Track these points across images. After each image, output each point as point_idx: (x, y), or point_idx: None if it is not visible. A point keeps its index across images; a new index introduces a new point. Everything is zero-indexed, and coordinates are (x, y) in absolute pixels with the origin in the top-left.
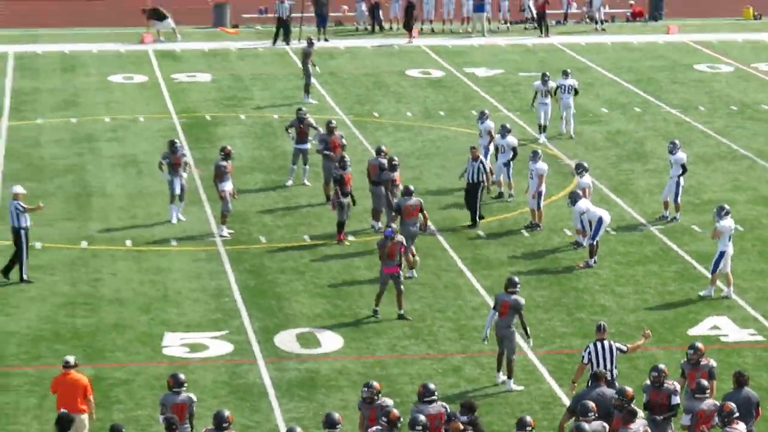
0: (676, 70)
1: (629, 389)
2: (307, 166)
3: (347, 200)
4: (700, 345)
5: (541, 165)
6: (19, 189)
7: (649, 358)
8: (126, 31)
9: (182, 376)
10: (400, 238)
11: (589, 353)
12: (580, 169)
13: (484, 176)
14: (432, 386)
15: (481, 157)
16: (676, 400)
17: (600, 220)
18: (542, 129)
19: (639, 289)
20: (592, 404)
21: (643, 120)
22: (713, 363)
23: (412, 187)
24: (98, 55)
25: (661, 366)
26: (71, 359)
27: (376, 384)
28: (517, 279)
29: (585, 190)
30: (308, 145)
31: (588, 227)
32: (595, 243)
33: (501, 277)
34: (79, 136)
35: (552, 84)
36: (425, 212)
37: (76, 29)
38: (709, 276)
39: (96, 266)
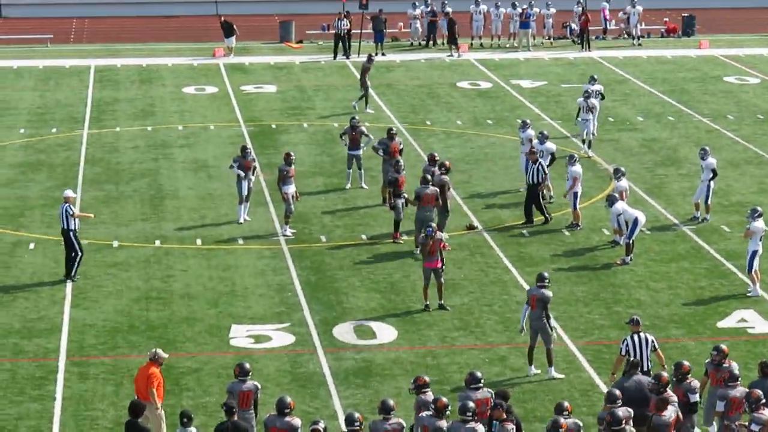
0: (707, 82)
1: (665, 374)
2: (362, 170)
3: (401, 201)
4: (724, 347)
5: (577, 168)
6: (70, 193)
7: (681, 349)
8: (199, 45)
9: (247, 366)
10: (440, 235)
11: (627, 345)
12: (618, 174)
13: (543, 177)
14: (479, 374)
15: (540, 160)
16: (695, 398)
17: (636, 221)
18: (585, 143)
19: (672, 284)
20: (618, 392)
21: (676, 128)
22: (735, 366)
23: (429, 176)
24: (173, 68)
25: (685, 362)
26: (153, 352)
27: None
28: (546, 274)
29: (622, 193)
30: (360, 151)
31: (624, 227)
32: (631, 242)
33: None
34: (154, 143)
35: (594, 101)
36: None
37: (153, 44)
38: (740, 275)
39: (168, 263)
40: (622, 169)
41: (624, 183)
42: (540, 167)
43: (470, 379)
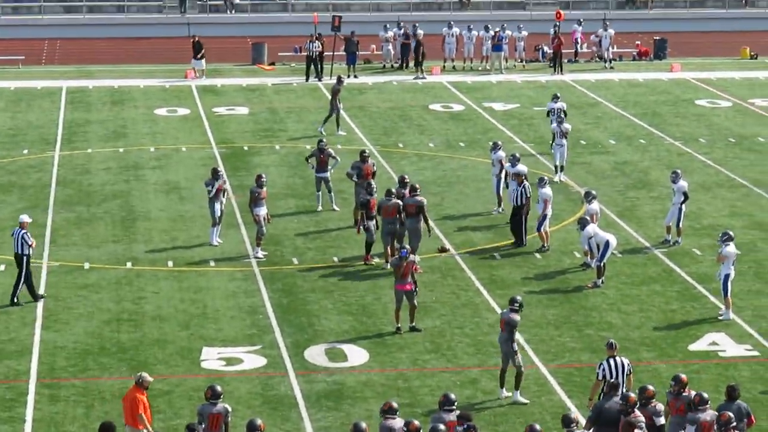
0: (679, 105)
1: (632, 395)
2: (332, 193)
3: (372, 223)
4: (683, 377)
5: (546, 190)
6: (25, 218)
7: (652, 372)
8: (171, 67)
9: (219, 388)
10: (412, 258)
11: (603, 370)
12: (589, 197)
13: (526, 200)
14: (452, 396)
15: (525, 182)
16: (660, 421)
17: (607, 244)
18: (558, 169)
19: (643, 307)
20: (573, 415)
21: (648, 151)
22: (693, 394)
23: (393, 190)
24: (145, 90)
25: (650, 387)
26: (138, 376)
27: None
28: (518, 298)
29: (593, 215)
30: (328, 173)
31: (596, 250)
32: (602, 265)
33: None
34: (126, 164)
35: (567, 126)
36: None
37: (125, 66)
38: (712, 298)
39: (140, 285)
40: (593, 192)
41: (595, 206)
42: (524, 189)
43: (444, 401)
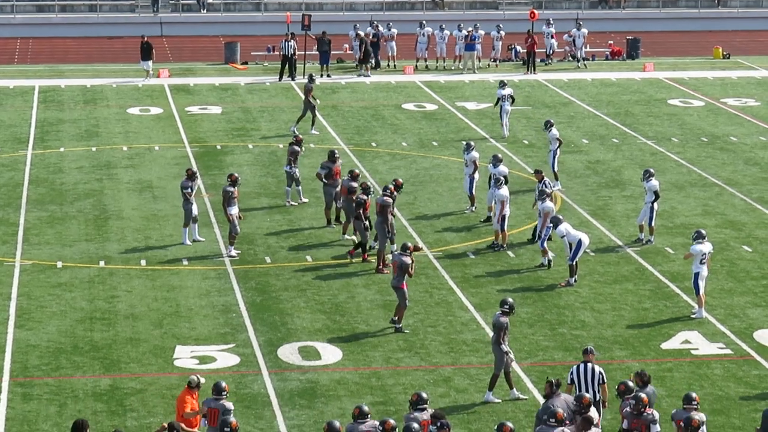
0: (651, 105)
1: (587, 395)
2: (299, 187)
3: (366, 223)
4: (643, 396)
5: (503, 191)
6: None
7: (625, 370)
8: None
9: (222, 384)
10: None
11: (572, 374)
12: (543, 195)
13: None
14: (425, 395)
15: (546, 179)
16: (656, 428)
17: (579, 243)
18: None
19: (616, 306)
20: (509, 424)
21: (621, 150)
22: (656, 415)
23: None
24: (117, 89)
25: (642, 395)
26: (195, 379)
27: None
28: (509, 300)
29: (546, 215)
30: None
31: (568, 249)
32: (574, 263)
33: (488, 295)
34: (98, 163)
35: (555, 132)
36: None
37: (98, 65)
38: (684, 296)
39: (113, 284)
40: (547, 190)
41: (549, 205)
42: (543, 185)
43: (416, 400)
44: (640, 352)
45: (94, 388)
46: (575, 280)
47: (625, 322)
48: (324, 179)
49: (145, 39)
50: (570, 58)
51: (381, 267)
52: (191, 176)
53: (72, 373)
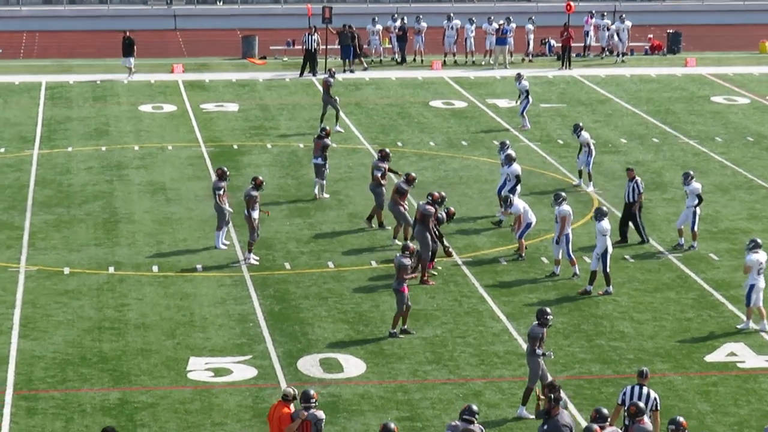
0: (694, 102)
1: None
2: (324, 181)
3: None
4: (682, 420)
5: (565, 208)
6: None
7: (667, 385)
8: (157, 61)
9: (311, 392)
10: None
11: (624, 395)
12: (559, 199)
13: (638, 195)
14: (474, 407)
15: (637, 177)
16: None
17: (606, 250)
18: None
19: (657, 315)
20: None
21: (662, 150)
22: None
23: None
24: (129, 85)
25: (680, 419)
26: (290, 391)
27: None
28: (546, 310)
29: (564, 218)
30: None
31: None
32: (607, 271)
33: (521, 303)
34: (108, 164)
35: (585, 136)
36: None
37: (108, 60)
38: (730, 305)
39: (123, 291)
40: (563, 194)
41: (566, 208)
42: (635, 185)
43: (465, 409)
44: (683, 365)
45: (103, 402)
46: (610, 289)
47: (666, 333)
48: (382, 180)
49: (127, 34)
50: (607, 53)
51: (426, 278)
52: (222, 176)
53: (79, 386)
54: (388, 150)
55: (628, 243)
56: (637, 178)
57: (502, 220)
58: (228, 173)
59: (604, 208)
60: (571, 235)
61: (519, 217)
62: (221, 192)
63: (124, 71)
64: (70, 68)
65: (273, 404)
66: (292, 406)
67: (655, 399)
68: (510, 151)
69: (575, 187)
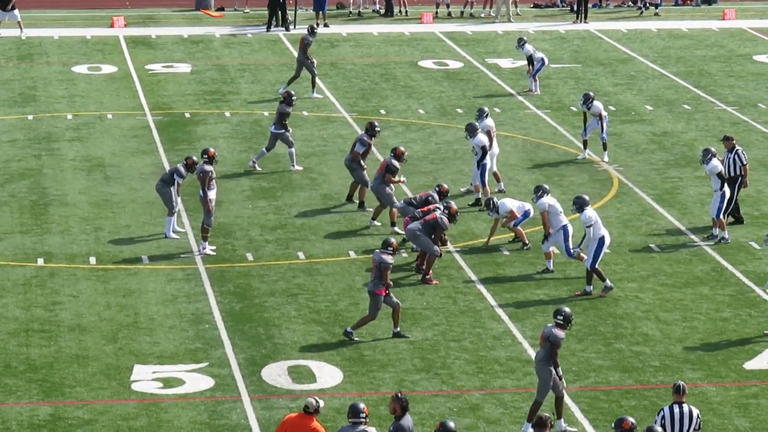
0: (733, 62)
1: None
2: (293, 149)
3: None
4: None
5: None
6: None
7: (699, 396)
8: (93, 13)
9: (361, 405)
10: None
11: (662, 418)
12: (539, 192)
13: (741, 168)
14: (451, 424)
15: (737, 147)
16: None
17: (602, 241)
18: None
19: (687, 315)
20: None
21: (694, 119)
22: None
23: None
24: (60, 42)
25: (629, 419)
26: (313, 402)
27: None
28: (566, 310)
29: (544, 213)
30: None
31: (590, 246)
32: (596, 268)
33: (526, 301)
34: (36, 136)
35: (598, 105)
36: None
37: (36, 11)
38: None
39: (54, 287)
40: (546, 186)
41: (548, 200)
42: (737, 156)
43: (441, 431)
44: (718, 374)
45: (31, 419)
46: (591, 289)
47: (698, 335)
48: (362, 160)
49: None
50: (630, 3)
51: (429, 276)
52: (190, 167)
53: (3, 399)
54: (377, 124)
55: (744, 223)
56: (738, 147)
57: (479, 198)
58: (197, 163)
59: (585, 197)
60: (570, 228)
61: (512, 212)
62: (181, 181)
63: (53, 25)
64: None
65: (288, 415)
66: (315, 421)
67: (698, 417)
68: (484, 121)
69: (580, 160)
